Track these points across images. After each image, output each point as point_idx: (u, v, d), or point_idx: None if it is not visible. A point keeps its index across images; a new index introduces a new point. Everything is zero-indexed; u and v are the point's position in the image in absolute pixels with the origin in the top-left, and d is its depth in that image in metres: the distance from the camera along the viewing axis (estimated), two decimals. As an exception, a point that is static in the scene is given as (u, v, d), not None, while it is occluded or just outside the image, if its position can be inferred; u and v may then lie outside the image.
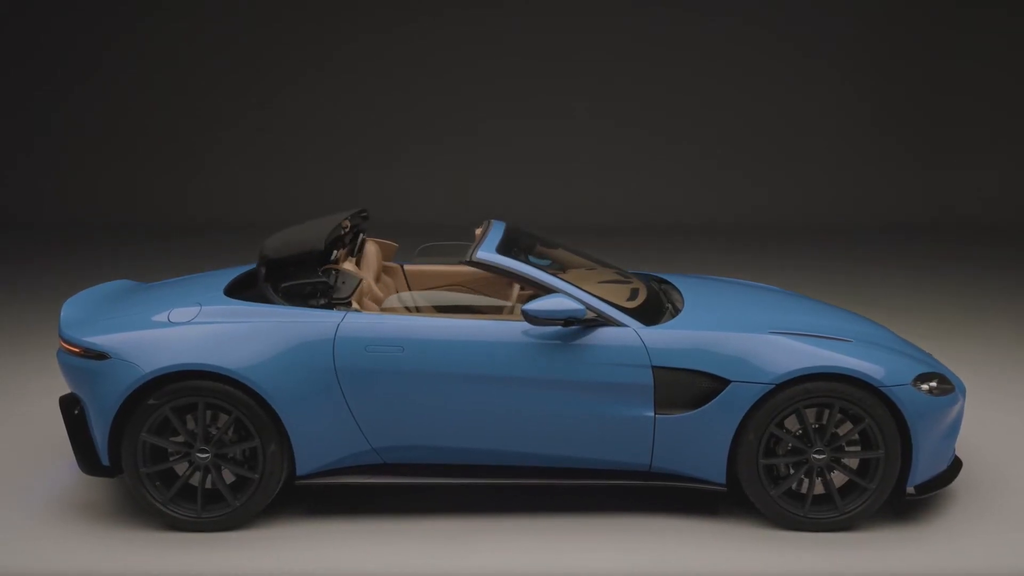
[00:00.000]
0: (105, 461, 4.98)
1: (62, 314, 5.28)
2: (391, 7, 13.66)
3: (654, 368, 4.91)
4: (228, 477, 5.06)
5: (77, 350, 5.03)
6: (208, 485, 5.01)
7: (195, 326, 4.98)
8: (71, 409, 5.09)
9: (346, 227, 5.72)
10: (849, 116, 13.72)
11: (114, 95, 13.80)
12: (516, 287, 5.82)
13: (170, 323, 5.02)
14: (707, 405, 4.89)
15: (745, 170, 13.70)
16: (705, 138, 13.79)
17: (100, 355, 4.95)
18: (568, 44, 13.71)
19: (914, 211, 13.33)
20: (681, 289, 5.70)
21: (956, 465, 5.27)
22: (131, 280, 6.06)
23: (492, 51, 13.78)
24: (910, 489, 4.98)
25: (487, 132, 13.81)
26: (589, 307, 4.99)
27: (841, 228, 13.02)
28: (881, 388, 4.86)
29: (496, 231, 5.47)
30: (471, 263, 5.14)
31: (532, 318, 4.87)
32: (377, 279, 5.84)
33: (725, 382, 4.89)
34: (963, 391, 5.21)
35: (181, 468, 5.04)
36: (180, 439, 4.97)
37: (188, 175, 13.72)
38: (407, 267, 6.25)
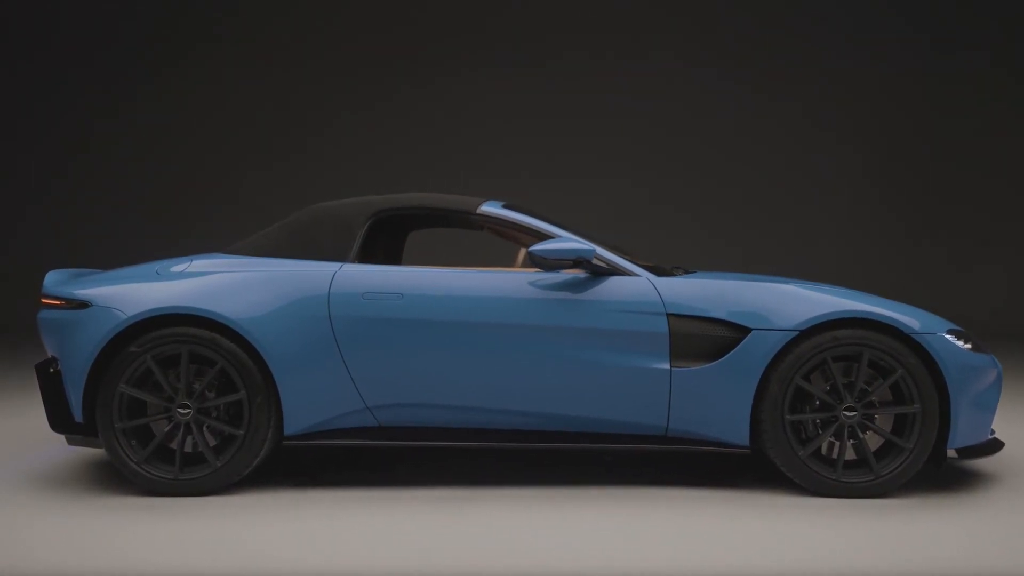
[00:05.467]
0: (78, 417, 4.63)
1: (46, 279, 5.04)
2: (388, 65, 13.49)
3: (669, 316, 4.61)
4: (210, 441, 4.68)
5: (58, 302, 4.76)
6: (188, 449, 4.63)
7: (183, 276, 4.74)
8: (46, 368, 4.78)
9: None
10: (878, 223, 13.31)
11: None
12: None
13: (157, 275, 4.78)
14: (726, 356, 4.56)
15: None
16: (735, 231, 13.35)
17: (81, 304, 4.68)
18: (579, 108, 13.37)
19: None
20: (691, 269, 5.48)
21: (997, 442, 4.88)
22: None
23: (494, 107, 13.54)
24: (951, 451, 4.58)
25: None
26: (599, 256, 4.74)
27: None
28: (913, 335, 4.53)
29: (497, 201, 5.30)
30: (476, 215, 4.94)
31: (539, 259, 4.61)
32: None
33: (745, 331, 4.58)
34: (999, 367, 4.87)
35: (159, 430, 4.67)
36: (161, 396, 4.62)
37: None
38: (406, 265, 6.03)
